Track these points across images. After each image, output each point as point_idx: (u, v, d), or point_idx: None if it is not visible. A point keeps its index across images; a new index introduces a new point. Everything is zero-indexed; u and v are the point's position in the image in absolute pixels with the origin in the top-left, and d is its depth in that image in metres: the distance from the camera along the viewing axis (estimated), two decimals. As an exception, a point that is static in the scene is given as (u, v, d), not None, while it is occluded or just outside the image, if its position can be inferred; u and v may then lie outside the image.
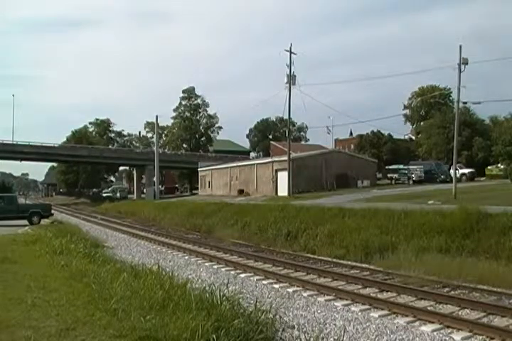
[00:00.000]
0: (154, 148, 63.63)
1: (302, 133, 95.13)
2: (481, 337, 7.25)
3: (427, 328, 7.66)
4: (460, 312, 8.59)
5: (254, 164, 48.91)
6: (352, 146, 71.92)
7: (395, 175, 45.91)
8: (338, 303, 9.40)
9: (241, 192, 47.23)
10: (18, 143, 65.23)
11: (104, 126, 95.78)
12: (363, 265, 13.78)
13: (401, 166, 46.89)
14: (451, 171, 31.57)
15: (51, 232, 18.05)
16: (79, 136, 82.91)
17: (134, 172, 79.98)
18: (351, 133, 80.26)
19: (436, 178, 40.67)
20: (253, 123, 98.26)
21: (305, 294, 10.26)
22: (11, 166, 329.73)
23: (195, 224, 26.56)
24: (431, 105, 65.87)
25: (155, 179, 60.72)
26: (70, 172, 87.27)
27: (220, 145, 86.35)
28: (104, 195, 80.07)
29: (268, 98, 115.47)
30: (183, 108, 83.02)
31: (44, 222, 26.85)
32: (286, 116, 39.31)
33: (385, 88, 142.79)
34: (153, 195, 58.61)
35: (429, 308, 8.79)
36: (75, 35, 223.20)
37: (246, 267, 13.56)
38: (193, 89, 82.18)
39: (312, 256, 15.80)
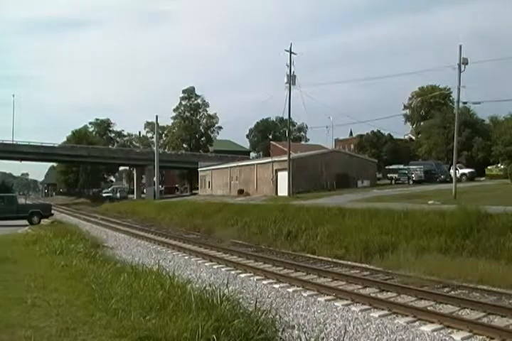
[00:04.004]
0: (154, 148, 63.63)
1: (302, 133, 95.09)
2: (481, 337, 7.25)
3: (427, 328, 7.67)
4: (460, 312, 8.58)
5: (254, 164, 48.90)
6: (352, 146, 71.88)
7: (395, 175, 45.87)
8: (338, 303, 9.40)
9: (241, 192, 47.21)
10: (18, 143, 65.18)
11: (104, 126, 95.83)
12: (363, 265, 13.79)
13: (401, 166, 46.87)
14: (451, 171, 31.58)
15: (51, 232, 18.01)
16: (79, 136, 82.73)
17: (134, 172, 79.94)
18: (351, 133, 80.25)
19: (436, 178, 40.65)
20: (253, 123, 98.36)
21: (305, 294, 10.26)
22: (11, 166, 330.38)
23: (195, 224, 26.56)
24: (431, 105, 65.85)
25: (155, 179, 60.70)
26: (70, 172, 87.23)
27: (220, 145, 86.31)
28: (104, 194, 79.96)
29: (268, 98, 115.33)
30: (183, 108, 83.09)
31: (44, 221, 26.84)
32: (286, 116, 39.35)
33: (385, 88, 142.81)
34: (153, 194, 58.62)
35: (429, 308, 8.78)
36: (75, 35, 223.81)
37: (246, 267, 13.56)
38: (193, 89, 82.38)
39: (312, 256, 15.80)
